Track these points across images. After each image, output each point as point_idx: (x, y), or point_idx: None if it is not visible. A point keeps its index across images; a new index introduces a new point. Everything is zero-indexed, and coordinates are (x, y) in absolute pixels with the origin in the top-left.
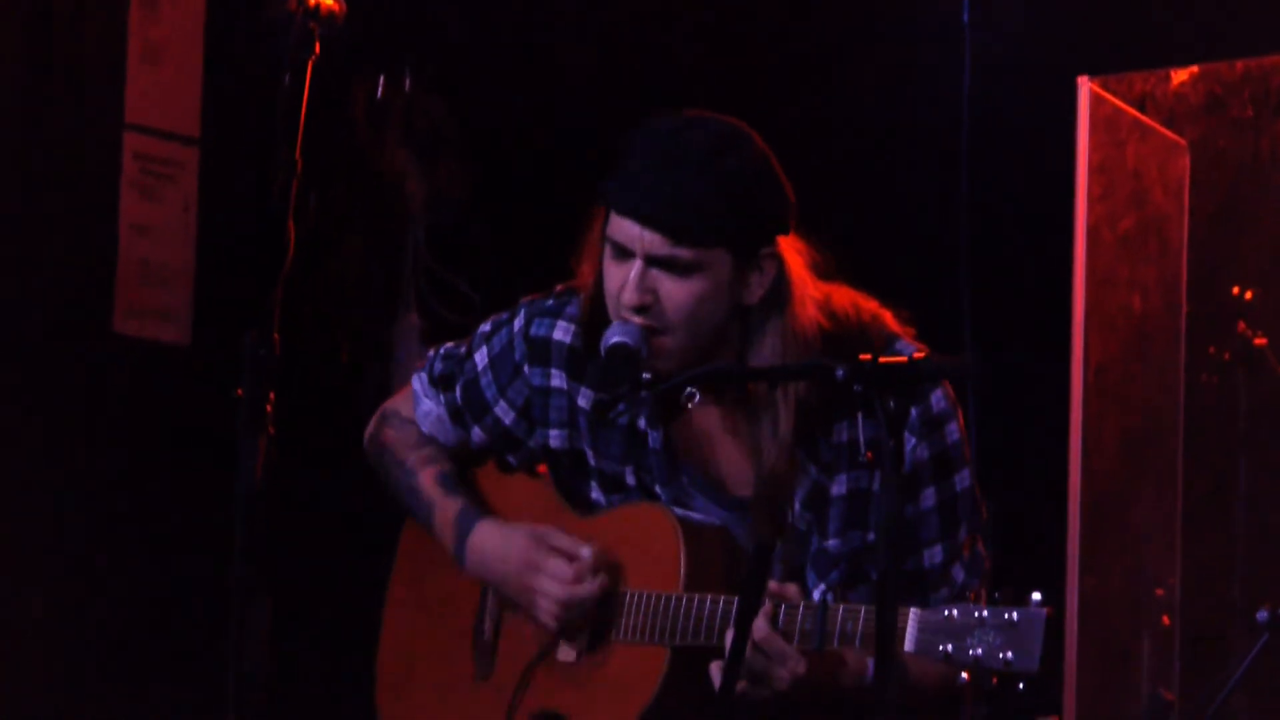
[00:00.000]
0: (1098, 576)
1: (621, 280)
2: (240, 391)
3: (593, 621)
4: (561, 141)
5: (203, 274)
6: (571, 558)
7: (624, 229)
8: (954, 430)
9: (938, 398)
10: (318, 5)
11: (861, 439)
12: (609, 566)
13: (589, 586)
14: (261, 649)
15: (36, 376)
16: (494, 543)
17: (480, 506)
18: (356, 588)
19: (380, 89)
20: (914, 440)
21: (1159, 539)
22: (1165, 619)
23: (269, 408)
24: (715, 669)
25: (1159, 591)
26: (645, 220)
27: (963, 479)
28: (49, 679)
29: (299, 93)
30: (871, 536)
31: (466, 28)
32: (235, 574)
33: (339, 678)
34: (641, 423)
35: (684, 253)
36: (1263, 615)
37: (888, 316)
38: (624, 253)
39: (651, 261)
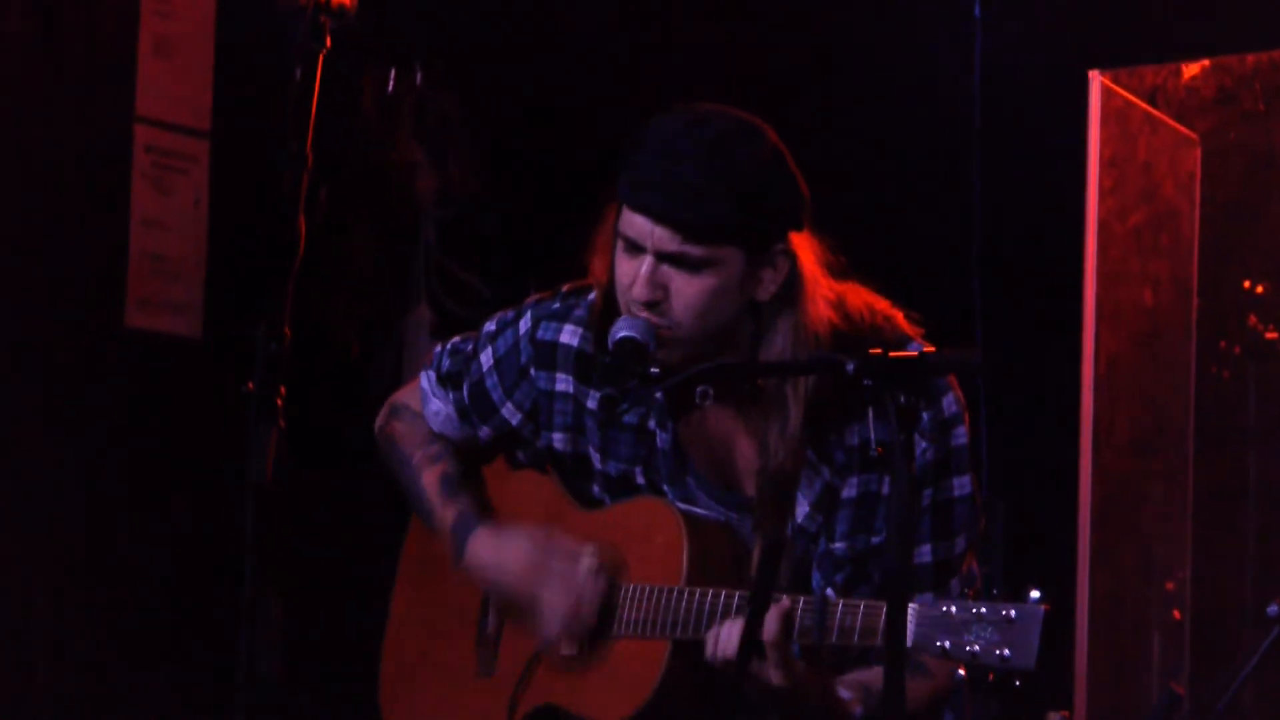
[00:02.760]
0: (1108, 571)
1: (632, 275)
2: (251, 385)
3: (593, 622)
4: (572, 135)
5: (214, 267)
6: (573, 562)
7: (635, 224)
8: (961, 434)
9: (949, 401)
10: None
11: (872, 436)
12: (610, 562)
13: (590, 595)
14: (272, 643)
15: (48, 370)
16: (489, 551)
17: (480, 510)
18: (367, 581)
19: (391, 82)
20: (924, 444)
21: (1169, 533)
22: (1176, 613)
23: (279, 401)
24: (710, 639)
25: (1169, 586)
26: (656, 217)
27: (962, 484)
28: (57, 676)
29: (310, 86)
30: (876, 540)
31: (477, 21)
32: (246, 567)
33: (349, 672)
34: (651, 423)
35: (694, 250)
36: (1273, 609)
37: (900, 317)
38: (635, 248)
39: (662, 258)
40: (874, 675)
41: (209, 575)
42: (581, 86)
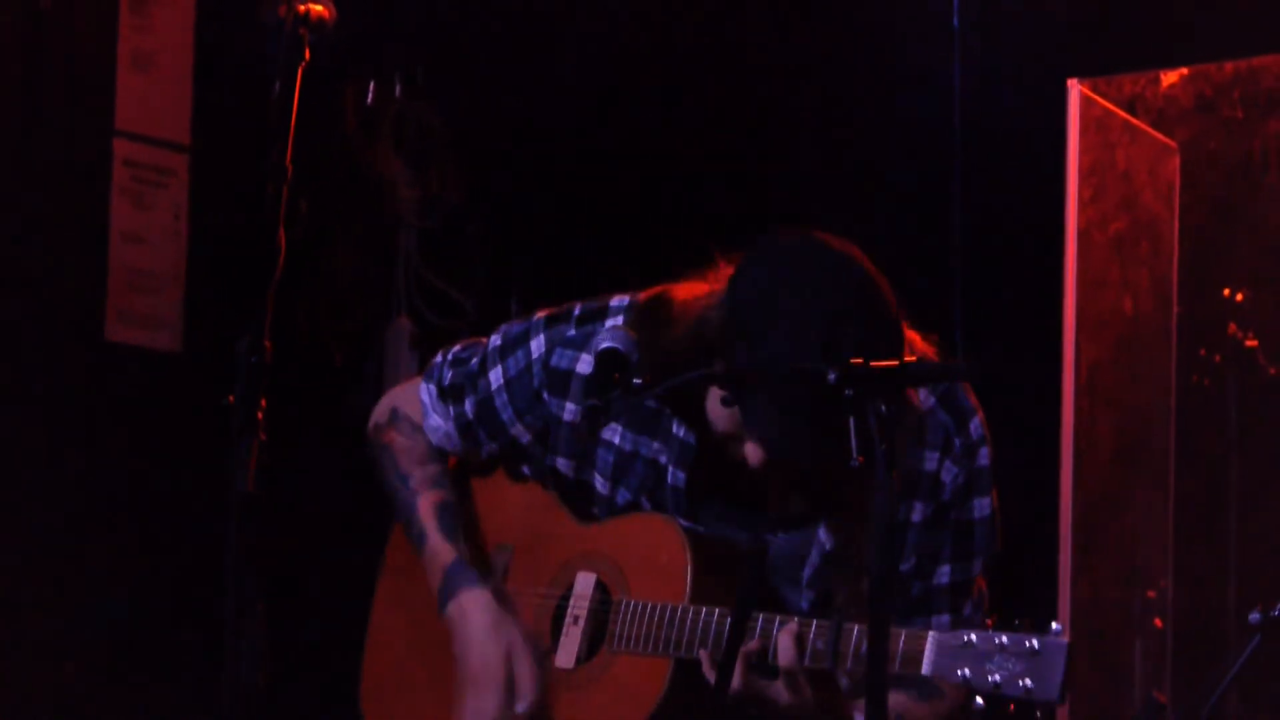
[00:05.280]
0: (1090, 579)
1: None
2: (232, 398)
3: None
4: (552, 146)
5: (194, 281)
6: (516, 691)
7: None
8: (984, 455)
9: (975, 425)
10: (308, 11)
11: (853, 442)
12: (608, 577)
13: (520, 709)
14: (256, 654)
15: (28, 384)
16: (475, 617)
17: (476, 560)
18: (350, 591)
19: (371, 95)
20: (955, 469)
21: (1151, 541)
22: (1158, 621)
23: (261, 414)
24: (706, 661)
25: (1151, 594)
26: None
27: (982, 506)
28: (42, 687)
29: (289, 99)
30: (903, 566)
31: (457, 33)
32: (229, 580)
33: (333, 682)
34: (663, 458)
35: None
36: (1255, 617)
37: (916, 337)
38: None
39: None
40: (894, 701)
41: (192, 587)
42: (562, 98)
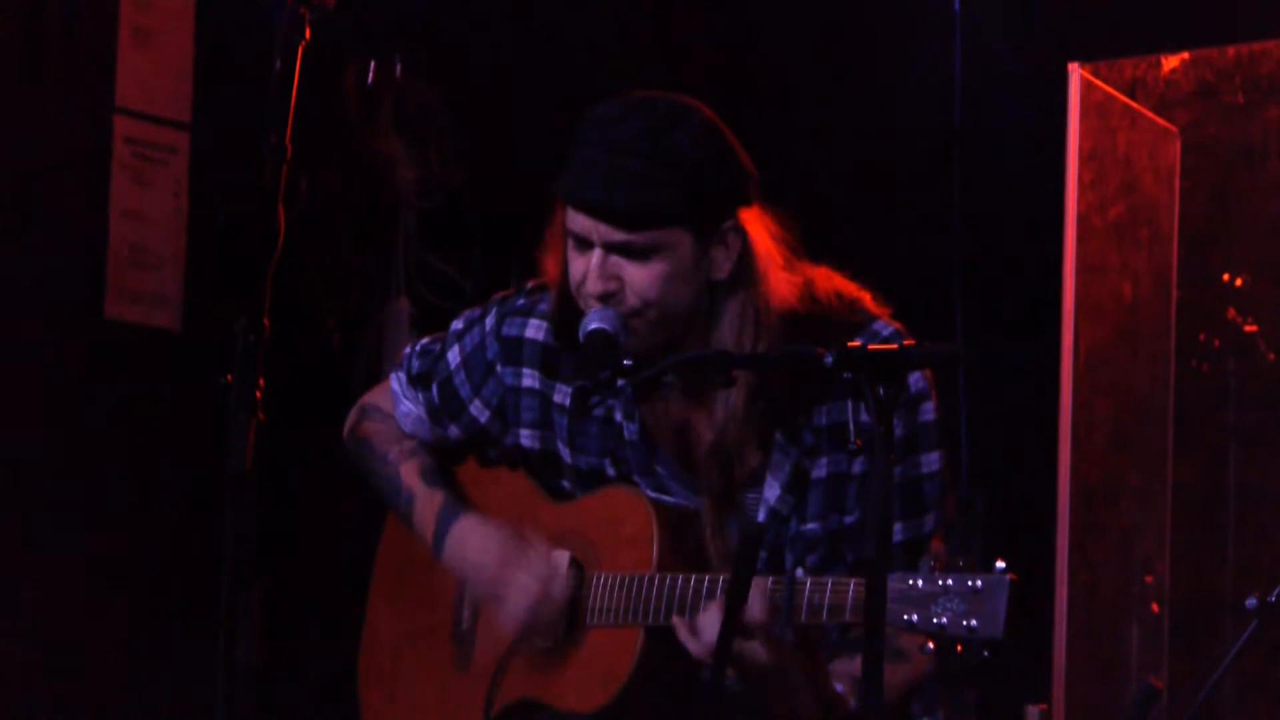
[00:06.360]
0: (1087, 564)
1: (584, 270)
2: (230, 377)
3: (560, 620)
4: (553, 127)
5: (193, 259)
6: (544, 562)
7: (579, 220)
8: (928, 409)
9: (915, 378)
10: None
11: (851, 425)
12: (582, 554)
13: (558, 590)
14: (252, 635)
15: (27, 362)
16: (475, 538)
17: (462, 500)
18: (347, 572)
19: (371, 74)
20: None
21: (1148, 526)
22: (1154, 606)
23: (259, 393)
24: (680, 624)
25: (1148, 579)
26: (596, 210)
27: (930, 461)
28: (37, 665)
29: (290, 78)
30: (849, 520)
31: (458, 11)
32: (226, 560)
33: (330, 662)
34: (618, 415)
35: (640, 237)
36: (1251, 602)
37: (867, 298)
38: (583, 243)
39: (610, 248)
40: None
41: (188, 567)
42: (562, 78)
